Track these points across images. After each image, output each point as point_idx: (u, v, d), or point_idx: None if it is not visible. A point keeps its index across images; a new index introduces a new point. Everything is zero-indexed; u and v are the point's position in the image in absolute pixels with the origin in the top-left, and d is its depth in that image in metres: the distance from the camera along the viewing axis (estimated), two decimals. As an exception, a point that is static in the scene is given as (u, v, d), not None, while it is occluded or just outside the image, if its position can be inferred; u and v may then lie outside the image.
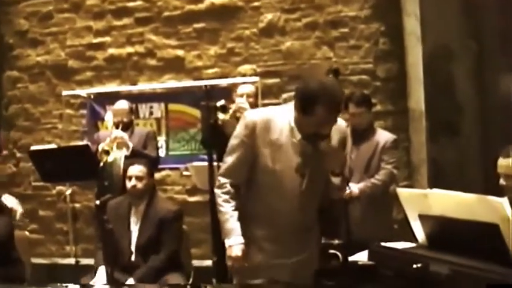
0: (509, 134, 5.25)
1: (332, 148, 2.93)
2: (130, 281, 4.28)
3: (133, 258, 4.41)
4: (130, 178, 4.50)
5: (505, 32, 5.45)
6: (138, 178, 4.50)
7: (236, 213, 3.02)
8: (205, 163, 4.62)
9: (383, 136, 4.82)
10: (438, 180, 5.27)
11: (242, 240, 2.98)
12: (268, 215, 3.03)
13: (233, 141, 3.04)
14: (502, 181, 3.42)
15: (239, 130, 3.02)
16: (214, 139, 4.43)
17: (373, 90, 6.15)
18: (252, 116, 3.02)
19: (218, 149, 4.34)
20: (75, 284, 4.17)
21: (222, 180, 3.06)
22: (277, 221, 3.02)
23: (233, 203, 3.03)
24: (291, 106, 2.93)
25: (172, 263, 4.44)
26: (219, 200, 3.05)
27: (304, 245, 3.08)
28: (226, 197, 3.04)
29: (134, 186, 4.48)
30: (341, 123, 3.07)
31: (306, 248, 3.08)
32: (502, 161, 3.46)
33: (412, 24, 5.72)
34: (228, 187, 3.04)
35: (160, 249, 4.42)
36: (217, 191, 3.08)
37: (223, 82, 6.39)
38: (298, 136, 2.93)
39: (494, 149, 5.11)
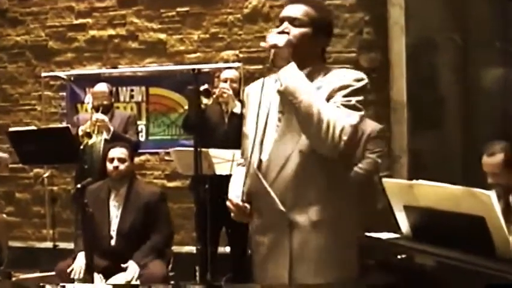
0: (490, 128, 5.30)
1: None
2: (132, 264, 4.25)
3: (112, 243, 4.37)
4: (112, 160, 4.45)
5: (489, 26, 5.48)
6: (120, 160, 4.45)
7: (240, 169, 2.57)
8: (188, 148, 4.58)
9: (369, 125, 4.80)
10: (419, 171, 5.31)
11: (239, 191, 2.46)
12: (255, 198, 2.44)
13: None
14: (489, 179, 3.43)
15: None
16: (197, 124, 4.40)
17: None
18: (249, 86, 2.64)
19: (199, 134, 4.30)
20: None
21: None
22: (259, 204, 2.42)
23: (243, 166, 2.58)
24: None
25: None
26: None
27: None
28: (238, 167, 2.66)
29: (116, 168, 4.42)
30: None
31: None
32: (486, 160, 3.47)
33: (397, 14, 5.73)
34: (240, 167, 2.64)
35: (147, 233, 4.39)
36: None
37: (206, 67, 6.34)
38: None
39: (474, 141, 5.20)
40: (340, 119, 2.19)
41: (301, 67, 2.31)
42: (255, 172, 2.37)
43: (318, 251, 2.30)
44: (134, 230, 4.37)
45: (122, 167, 4.45)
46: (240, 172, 2.57)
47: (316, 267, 2.31)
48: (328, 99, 2.27)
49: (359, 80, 2.33)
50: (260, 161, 2.37)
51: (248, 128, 2.49)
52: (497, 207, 2.40)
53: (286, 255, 2.31)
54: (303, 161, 2.29)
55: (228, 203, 2.45)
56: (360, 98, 2.30)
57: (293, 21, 2.37)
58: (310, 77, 2.34)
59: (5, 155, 5.04)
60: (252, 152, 2.38)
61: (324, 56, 2.51)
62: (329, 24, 2.45)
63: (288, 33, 2.34)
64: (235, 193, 2.47)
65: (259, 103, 2.40)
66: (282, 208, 2.28)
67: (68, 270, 4.25)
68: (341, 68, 2.50)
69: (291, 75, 2.24)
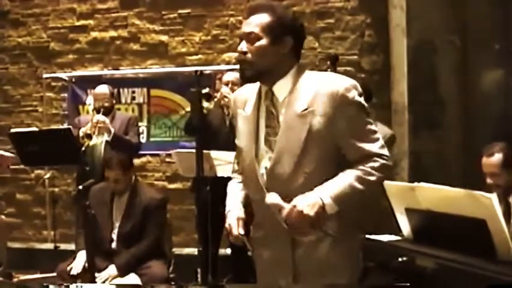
0: (490, 130, 5.30)
1: None
2: (111, 267, 4.26)
3: (113, 245, 4.39)
4: (108, 179, 4.47)
5: (489, 28, 5.48)
6: (116, 181, 4.44)
7: (239, 186, 2.55)
8: (190, 150, 4.58)
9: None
10: (419, 173, 5.29)
11: (238, 209, 2.44)
12: (256, 211, 2.44)
13: None
14: (488, 180, 3.43)
15: None
16: (199, 127, 4.40)
17: (357, 82, 6.12)
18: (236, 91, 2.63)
19: (201, 137, 4.30)
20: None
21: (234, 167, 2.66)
22: (260, 218, 2.42)
23: (239, 180, 2.57)
24: None
25: (155, 251, 4.42)
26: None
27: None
28: (234, 178, 2.62)
29: (114, 186, 4.46)
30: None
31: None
32: (485, 160, 3.48)
33: (398, 17, 5.72)
34: (236, 175, 2.63)
35: (143, 237, 4.40)
36: None
37: (207, 69, 6.33)
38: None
39: (475, 144, 5.19)
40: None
41: (276, 76, 2.31)
42: (259, 186, 2.30)
43: (322, 261, 2.27)
44: (134, 234, 4.38)
45: (119, 186, 4.46)
46: (236, 187, 2.55)
47: (320, 277, 2.27)
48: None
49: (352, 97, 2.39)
50: (262, 175, 2.31)
51: (241, 141, 2.41)
52: (499, 210, 2.41)
53: (289, 269, 2.28)
54: (307, 180, 2.23)
55: (227, 223, 2.42)
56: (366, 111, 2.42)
57: (248, 37, 2.31)
58: (287, 86, 2.31)
59: (10, 154, 5.06)
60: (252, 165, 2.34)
61: (299, 54, 2.42)
62: (288, 22, 2.34)
63: (245, 52, 2.30)
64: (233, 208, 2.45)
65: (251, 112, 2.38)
66: (285, 225, 2.17)
67: (68, 268, 4.27)
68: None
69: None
